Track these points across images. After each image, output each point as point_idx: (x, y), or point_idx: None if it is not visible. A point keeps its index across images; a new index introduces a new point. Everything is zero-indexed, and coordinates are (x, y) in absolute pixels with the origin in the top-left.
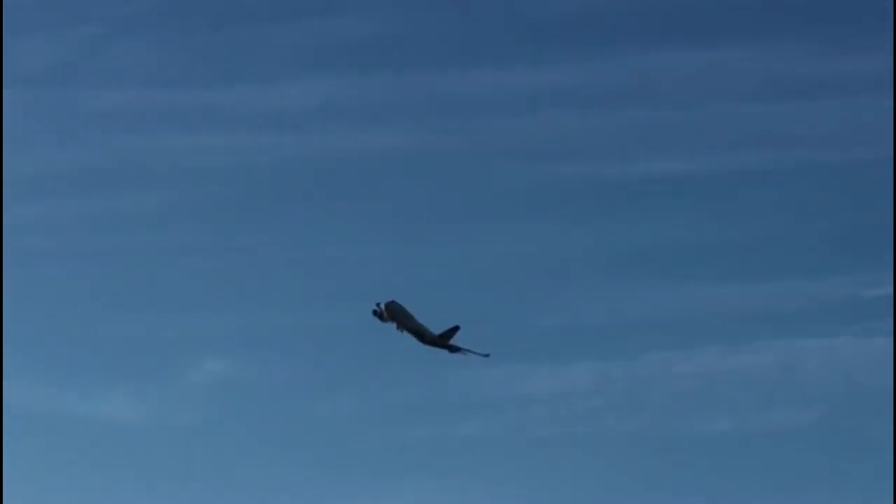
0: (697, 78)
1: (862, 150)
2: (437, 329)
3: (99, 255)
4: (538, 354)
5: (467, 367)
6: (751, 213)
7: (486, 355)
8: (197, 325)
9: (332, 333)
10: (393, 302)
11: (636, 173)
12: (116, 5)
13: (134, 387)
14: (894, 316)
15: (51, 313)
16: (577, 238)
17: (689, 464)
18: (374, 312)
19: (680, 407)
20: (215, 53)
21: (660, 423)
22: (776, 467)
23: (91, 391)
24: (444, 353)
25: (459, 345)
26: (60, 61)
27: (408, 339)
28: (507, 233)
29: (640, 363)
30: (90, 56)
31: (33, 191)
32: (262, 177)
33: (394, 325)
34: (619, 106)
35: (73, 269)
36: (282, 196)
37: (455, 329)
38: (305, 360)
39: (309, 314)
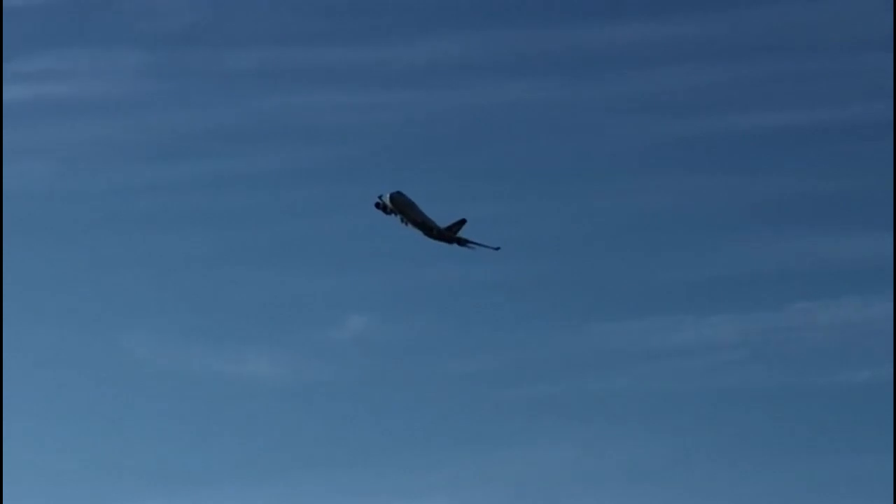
0: (825, 27)
1: None
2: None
3: (238, 214)
4: (680, 307)
5: (606, 320)
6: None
7: (497, 248)
8: (340, 283)
9: (471, 291)
10: (398, 193)
11: (774, 123)
12: None
13: (277, 345)
14: None
15: (196, 274)
16: (717, 190)
17: (832, 415)
18: (378, 205)
19: (824, 357)
20: (347, 10)
21: (804, 373)
22: None
23: (235, 351)
24: (450, 247)
25: (467, 237)
26: (195, 21)
27: (412, 232)
28: (646, 186)
29: (785, 314)
30: (224, 16)
31: (171, 152)
32: (397, 134)
33: (398, 218)
34: (750, 57)
35: (214, 230)
36: (416, 153)
37: (462, 222)
38: (445, 318)
39: (448, 272)
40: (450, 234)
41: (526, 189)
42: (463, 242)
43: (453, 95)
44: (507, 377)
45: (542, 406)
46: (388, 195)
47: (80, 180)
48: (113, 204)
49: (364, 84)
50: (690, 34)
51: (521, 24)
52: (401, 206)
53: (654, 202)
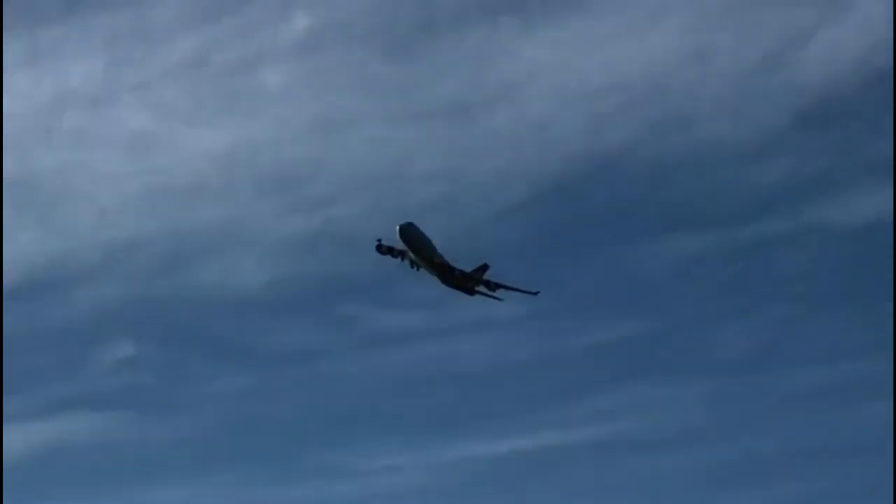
0: None
1: None
2: None
3: None
4: None
5: None
6: None
7: (536, 293)
8: None
9: None
10: (409, 224)
11: None
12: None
13: None
14: None
15: None
16: None
17: None
18: (379, 248)
19: None
20: None
21: None
22: None
23: None
24: (467, 297)
25: (499, 281)
26: (756, 345)
27: (425, 278)
28: None
29: None
30: (784, 337)
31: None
32: None
33: (407, 261)
34: None
35: None
36: None
37: (484, 267)
38: None
39: None
40: (475, 279)
41: None
42: (493, 287)
43: None
44: None
45: None
46: (397, 227)
47: None
48: None
49: None
50: None
51: None
52: (412, 242)
53: None
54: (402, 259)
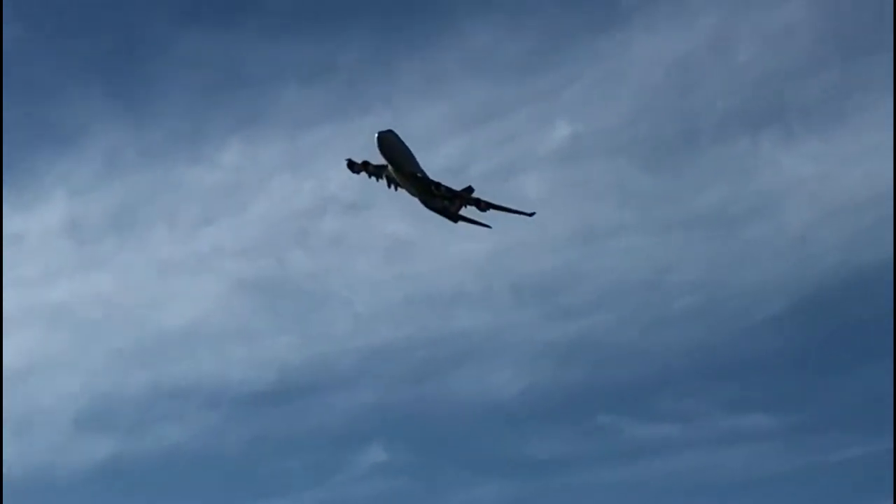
0: None
1: None
2: None
3: None
4: None
5: None
6: None
7: (532, 213)
8: None
9: None
10: (390, 132)
11: None
12: None
13: None
14: None
15: None
16: None
17: None
18: (352, 165)
19: None
20: None
21: None
22: None
23: None
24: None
25: (490, 200)
26: None
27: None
28: None
29: None
30: None
31: None
32: None
33: (382, 178)
34: None
35: None
36: None
37: (470, 189)
38: None
39: None
40: (462, 197)
41: None
42: (484, 207)
43: None
44: None
45: None
46: (376, 135)
47: None
48: None
49: None
50: None
51: None
52: (393, 153)
53: None
54: (378, 178)
